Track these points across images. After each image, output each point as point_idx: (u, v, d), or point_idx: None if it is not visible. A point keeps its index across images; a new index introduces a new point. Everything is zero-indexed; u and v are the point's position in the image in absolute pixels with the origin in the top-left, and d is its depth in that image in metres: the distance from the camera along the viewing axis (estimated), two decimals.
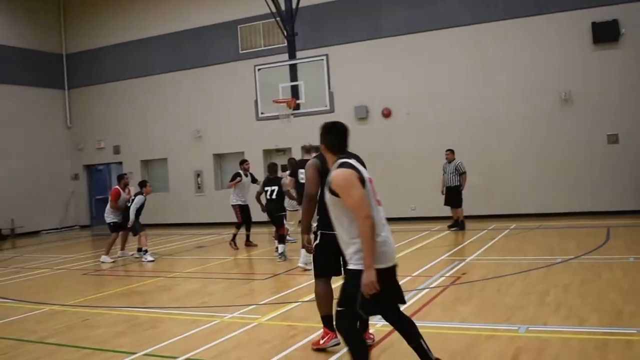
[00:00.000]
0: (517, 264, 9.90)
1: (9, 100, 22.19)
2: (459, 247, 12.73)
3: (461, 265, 10.28)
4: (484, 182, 17.02)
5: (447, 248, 12.44)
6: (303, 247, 5.83)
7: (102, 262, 13.51)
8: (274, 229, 12.99)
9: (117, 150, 23.74)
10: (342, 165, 4.47)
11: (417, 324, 4.87)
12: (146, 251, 13.40)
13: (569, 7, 16.49)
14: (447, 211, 15.80)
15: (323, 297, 5.74)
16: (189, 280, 10.76)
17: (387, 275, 4.38)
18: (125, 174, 15.18)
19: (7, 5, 22.66)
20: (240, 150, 20.35)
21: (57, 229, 23.32)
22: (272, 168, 13.03)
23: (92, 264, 13.75)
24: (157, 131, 22.52)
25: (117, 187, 14.02)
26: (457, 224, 15.34)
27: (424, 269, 10.00)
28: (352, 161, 4.56)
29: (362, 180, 4.39)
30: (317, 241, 5.63)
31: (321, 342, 5.80)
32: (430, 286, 8.61)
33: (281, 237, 12.34)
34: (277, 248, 12.35)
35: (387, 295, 4.43)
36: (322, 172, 5.39)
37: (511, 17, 17.16)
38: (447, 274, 9.43)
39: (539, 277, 8.72)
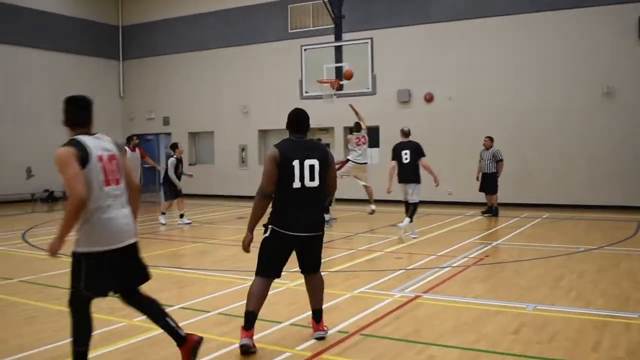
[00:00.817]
0: (539, 250, 10.26)
1: (65, 68, 23.17)
2: (489, 232, 13.08)
3: (486, 248, 10.68)
4: (520, 171, 17.22)
5: (477, 232, 12.81)
6: (243, 247, 5.32)
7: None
8: None
9: (166, 121, 24.60)
10: (67, 142, 4.31)
11: (433, 297, 5.35)
12: (182, 215, 14.49)
13: (617, 0, 16.46)
14: (482, 197, 16.09)
15: (256, 296, 5.24)
16: (226, 246, 11.42)
17: (111, 258, 4.32)
18: (134, 136, 15.66)
19: None
20: (283, 128, 20.80)
21: None
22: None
23: (139, 228, 14.50)
24: (206, 105, 23.26)
25: (125, 147, 14.37)
26: (491, 211, 15.65)
27: (450, 249, 10.45)
28: (83, 137, 4.33)
29: (84, 158, 4.22)
30: (267, 234, 5.26)
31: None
32: (453, 265, 9.06)
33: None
34: None
35: (113, 277, 4.42)
36: (284, 161, 5.13)
37: (557, 8, 17.19)
38: (471, 256, 9.85)
39: (558, 264, 9.08)
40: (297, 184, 5.10)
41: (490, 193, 15.74)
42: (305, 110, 5.47)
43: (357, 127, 14.41)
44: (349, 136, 14.77)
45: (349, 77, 14.65)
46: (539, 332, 5.71)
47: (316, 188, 5.20)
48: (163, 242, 12.22)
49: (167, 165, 14.58)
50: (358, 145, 14.24)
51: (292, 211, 5.15)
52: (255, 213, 5.22)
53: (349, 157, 14.45)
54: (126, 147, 14.65)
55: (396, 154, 11.86)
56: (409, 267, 8.91)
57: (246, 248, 5.30)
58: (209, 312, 6.52)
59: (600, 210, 16.09)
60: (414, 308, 6.58)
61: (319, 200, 5.32)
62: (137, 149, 15.12)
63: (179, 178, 14.50)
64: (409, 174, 11.72)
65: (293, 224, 5.16)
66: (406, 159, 11.74)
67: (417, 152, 11.71)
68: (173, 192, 14.59)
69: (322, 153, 5.29)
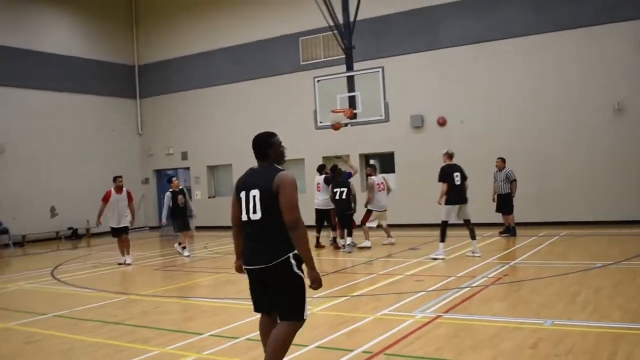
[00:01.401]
0: (557, 268, 10.43)
1: (84, 109, 23.87)
2: (507, 251, 13.25)
3: (504, 268, 10.86)
4: (536, 189, 17.41)
5: (495, 252, 12.98)
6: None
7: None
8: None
9: (184, 156, 25.09)
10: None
11: (453, 316, 5.54)
12: (184, 247, 14.98)
13: (626, 17, 16.73)
14: (499, 218, 16.26)
15: (261, 334, 5.13)
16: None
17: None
18: (119, 177, 14.96)
19: (82, 20, 24.32)
20: (300, 157, 21.30)
21: None
22: (337, 171, 14.53)
23: (162, 261, 14.90)
24: (223, 138, 23.72)
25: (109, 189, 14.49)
26: (508, 230, 15.82)
27: (469, 270, 10.65)
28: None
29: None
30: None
31: None
32: (472, 285, 9.26)
33: (350, 231, 14.27)
34: (334, 240, 14.83)
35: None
36: (236, 192, 4.99)
37: (566, 28, 17.51)
38: (490, 275, 10.04)
39: (575, 280, 9.25)
40: (244, 217, 4.81)
41: (507, 213, 15.93)
42: (262, 135, 4.95)
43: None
44: (372, 179, 15.06)
45: (338, 128, 15.39)
46: (556, 346, 5.91)
47: (259, 221, 4.71)
48: (188, 274, 12.51)
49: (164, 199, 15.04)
50: (380, 190, 14.71)
51: (245, 243, 4.87)
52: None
53: (371, 208, 14.90)
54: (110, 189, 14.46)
55: (447, 176, 12.22)
56: (429, 289, 9.12)
57: None
58: (238, 338, 6.78)
59: (618, 226, 16.20)
60: (434, 328, 6.80)
61: (266, 233, 4.70)
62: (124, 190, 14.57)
63: (183, 211, 14.93)
64: (463, 194, 12.31)
65: (245, 256, 4.87)
66: (457, 180, 12.21)
67: (463, 174, 12.35)
68: (178, 225, 15.02)
69: (267, 181, 4.69)
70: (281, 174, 4.71)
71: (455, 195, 12.18)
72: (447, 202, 12.23)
